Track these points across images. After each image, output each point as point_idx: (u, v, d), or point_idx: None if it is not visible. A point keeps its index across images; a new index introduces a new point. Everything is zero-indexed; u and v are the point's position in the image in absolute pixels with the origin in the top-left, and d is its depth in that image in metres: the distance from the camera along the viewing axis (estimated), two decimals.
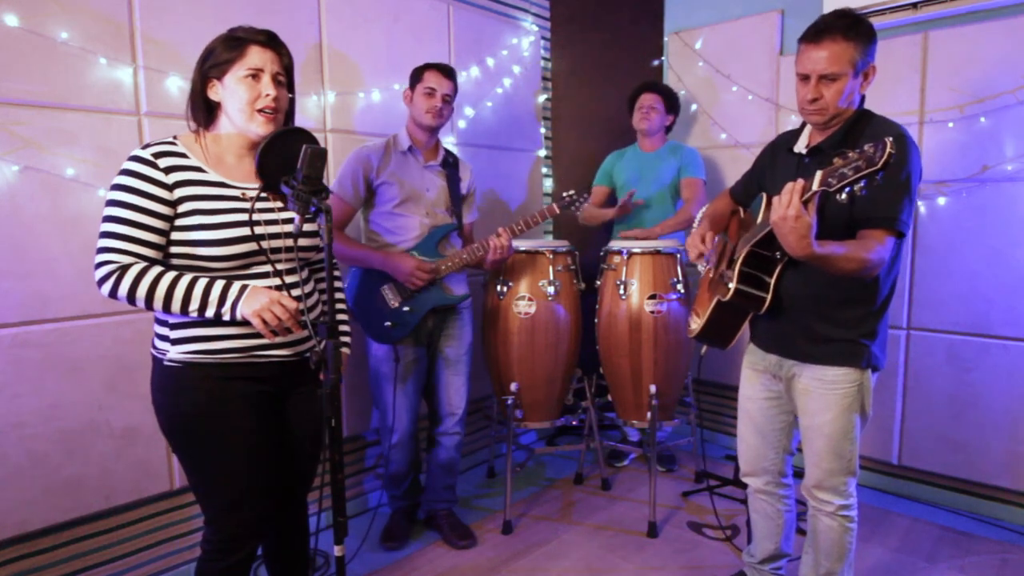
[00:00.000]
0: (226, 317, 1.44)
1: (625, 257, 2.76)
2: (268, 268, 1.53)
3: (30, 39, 1.87)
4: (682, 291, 2.75)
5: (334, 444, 1.38)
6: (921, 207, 2.81)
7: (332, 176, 2.50)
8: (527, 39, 3.39)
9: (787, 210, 1.45)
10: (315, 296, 1.66)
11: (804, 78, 1.67)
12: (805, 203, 1.45)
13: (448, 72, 2.43)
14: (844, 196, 1.37)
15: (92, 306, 2.03)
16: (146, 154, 1.44)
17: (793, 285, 1.75)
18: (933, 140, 2.76)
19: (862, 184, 1.33)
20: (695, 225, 2.14)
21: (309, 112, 2.55)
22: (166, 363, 1.49)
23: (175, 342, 1.49)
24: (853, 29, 1.61)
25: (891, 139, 1.29)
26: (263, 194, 1.53)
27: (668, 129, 3.24)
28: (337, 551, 1.43)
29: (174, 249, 1.46)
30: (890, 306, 1.76)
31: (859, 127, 1.68)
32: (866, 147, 1.33)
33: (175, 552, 2.29)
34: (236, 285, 1.45)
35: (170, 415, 1.51)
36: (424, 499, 2.68)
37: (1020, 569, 2.38)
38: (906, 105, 2.81)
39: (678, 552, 2.51)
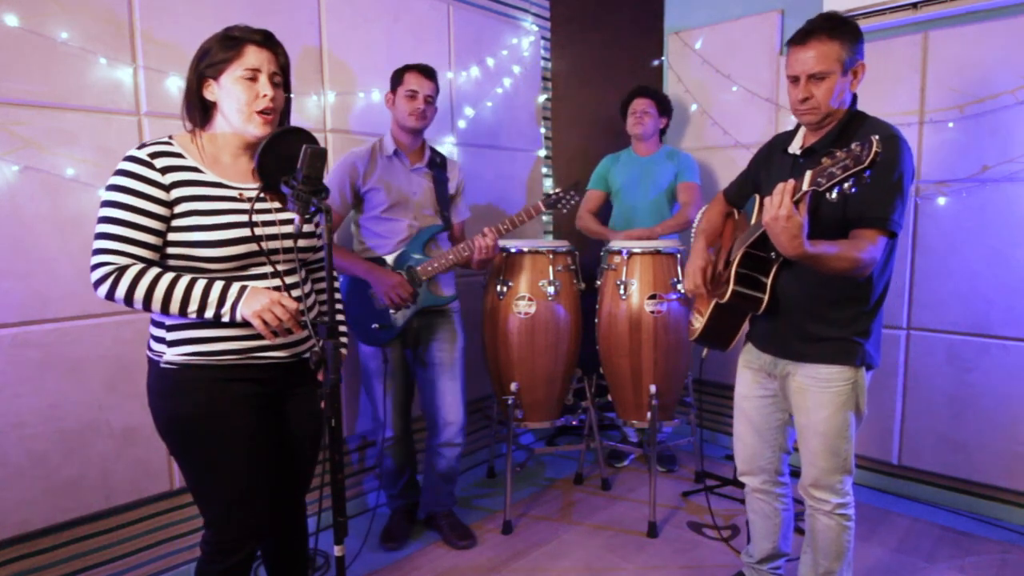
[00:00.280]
0: (226, 318, 1.43)
1: (625, 257, 2.76)
2: (266, 269, 1.52)
3: (30, 39, 1.87)
4: (682, 291, 2.75)
5: (334, 444, 1.38)
6: (921, 207, 2.81)
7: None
8: (527, 39, 3.39)
9: (778, 210, 1.46)
10: (312, 296, 1.66)
11: (794, 80, 1.70)
12: (796, 203, 1.46)
13: (429, 73, 2.41)
14: (835, 195, 1.38)
15: (92, 306, 2.03)
16: (142, 154, 1.43)
17: (788, 285, 1.76)
18: (933, 140, 2.76)
19: (851, 183, 1.35)
20: (692, 228, 2.14)
21: (309, 112, 2.55)
22: (163, 365, 1.48)
23: (172, 344, 1.48)
24: (838, 29, 1.65)
25: (877, 138, 1.31)
26: (260, 194, 1.53)
27: (663, 132, 3.25)
28: (337, 551, 1.43)
29: (171, 250, 1.45)
30: (884, 305, 1.78)
31: (852, 127, 1.70)
32: (853, 146, 1.34)
33: (175, 552, 2.29)
34: (236, 286, 1.44)
35: (167, 418, 1.50)
36: (423, 501, 2.67)
37: (1020, 569, 2.38)
38: (906, 105, 2.81)
39: (678, 552, 2.51)
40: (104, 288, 1.39)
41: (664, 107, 3.18)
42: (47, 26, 1.90)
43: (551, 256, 2.73)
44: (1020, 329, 2.60)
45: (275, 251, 1.52)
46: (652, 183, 3.14)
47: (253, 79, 1.47)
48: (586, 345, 2.92)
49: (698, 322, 2.02)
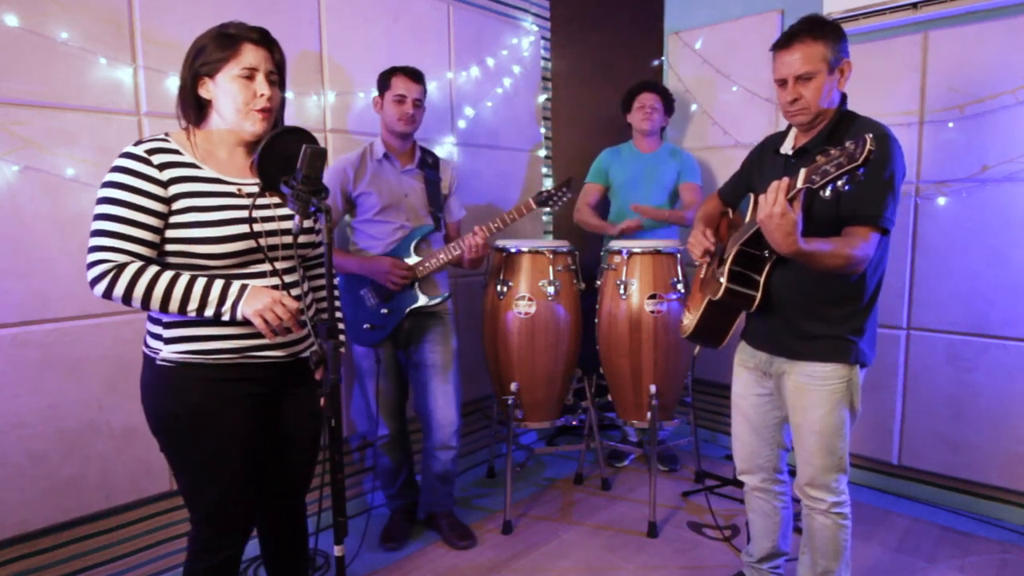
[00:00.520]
0: (226, 317, 1.43)
1: (625, 257, 2.76)
2: (265, 267, 1.51)
3: (30, 39, 1.87)
4: (682, 291, 2.75)
5: (334, 444, 1.38)
6: (921, 207, 2.81)
7: None
8: (527, 39, 3.39)
9: (773, 208, 1.49)
10: (309, 295, 1.65)
11: (782, 83, 1.73)
12: (790, 201, 1.48)
13: (416, 76, 2.40)
14: (829, 193, 1.40)
15: (92, 306, 2.03)
16: (139, 151, 1.42)
17: (782, 283, 1.77)
18: (933, 140, 2.76)
19: (845, 180, 1.37)
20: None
21: (309, 112, 2.55)
22: (158, 362, 1.47)
23: (168, 341, 1.47)
24: (819, 29, 1.68)
25: (871, 136, 1.33)
26: (260, 192, 1.52)
27: (662, 129, 3.25)
28: (337, 551, 1.43)
29: (169, 247, 1.44)
30: (877, 303, 1.79)
31: (843, 127, 1.72)
32: (847, 144, 1.36)
33: (175, 552, 2.29)
34: (236, 284, 1.44)
35: (161, 415, 1.49)
36: (422, 501, 2.66)
37: (1020, 569, 2.38)
38: (906, 105, 2.81)
39: (678, 552, 2.51)
40: (101, 286, 1.38)
41: (669, 105, 3.18)
42: (47, 26, 1.90)
43: (551, 256, 2.73)
44: (1020, 329, 2.60)
45: (274, 248, 1.52)
46: (655, 181, 3.14)
47: (250, 78, 1.46)
48: (586, 345, 2.92)
49: (689, 319, 2.04)
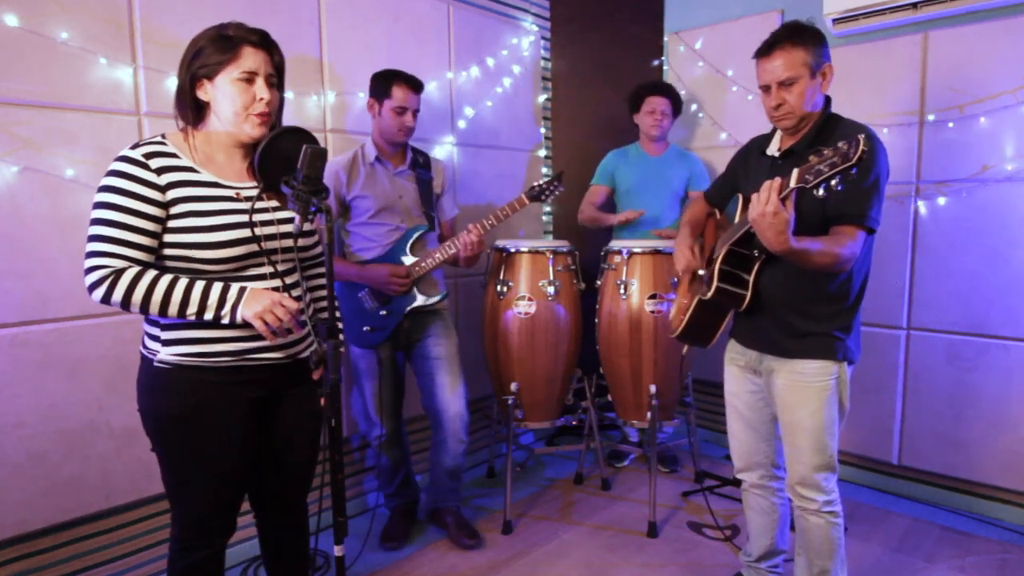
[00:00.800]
0: (225, 320, 1.43)
1: (625, 257, 2.76)
2: (264, 269, 1.51)
3: (30, 39, 1.87)
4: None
5: (334, 444, 1.38)
6: (921, 207, 2.81)
7: None
8: (527, 39, 3.39)
9: (766, 207, 1.51)
10: (307, 296, 1.65)
11: (766, 89, 1.78)
12: (783, 200, 1.51)
13: (417, 86, 2.38)
14: (822, 192, 1.43)
15: (92, 306, 2.01)
16: (136, 154, 1.40)
17: (771, 282, 1.80)
18: (933, 140, 2.76)
19: (838, 179, 1.39)
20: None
21: (309, 112, 2.55)
22: (156, 363, 1.47)
23: (166, 343, 1.46)
24: (799, 35, 1.72)
25: (863, 136, 1.36)
26: (260, 194, 1.52)
27: None
28: (337, 551, 1.43)
29: (168, 251, 1.43)
30: (863, 301, 1.83)
31: (828, 129, 1.76)
32: (840, 144, 1.39)
33: None
34: (235, 287, 1.43)
35: (156, 415, 1.49)
36: (428, 496, 2.65)
37: (1020, 569, 2.38)
38: (906, 105, 2.81)
39: (678, 552, 2.51)
40: (100, 292, 1.37)
41: (678, 107, 3.16)
42: (47, 26, 1.90)
43: (551, 256, 2.73)
44: (1020, 329, 2.60)
45: (274, 251, 1.52)
46: (665, 186, 3.12)
47: (250, 81, 1.45)
48: (586, 345, 2.92)
49: (677, 321, 2.06)
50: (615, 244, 2.84)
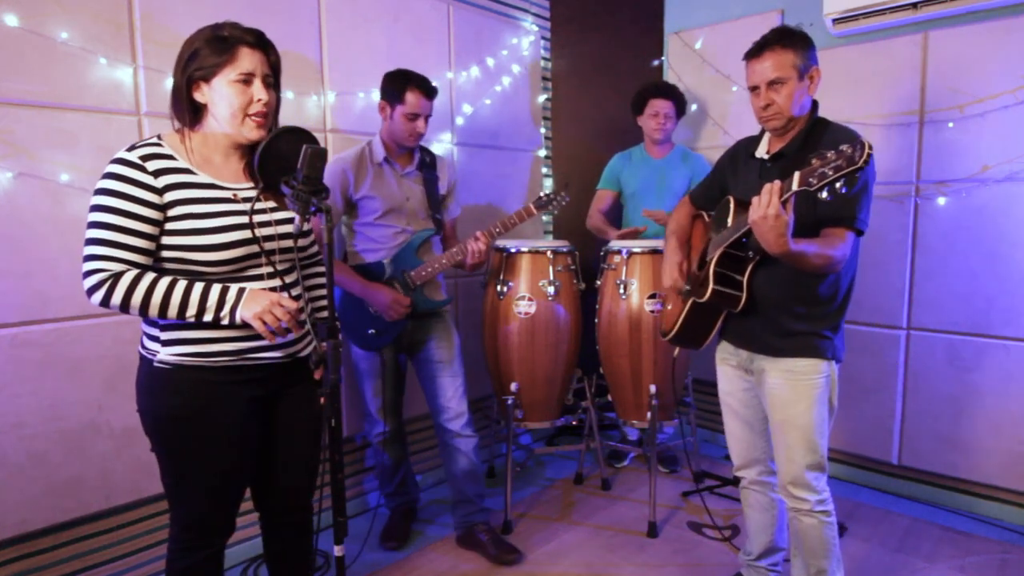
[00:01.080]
0: (225, 321, 1.43)
1: (625, 257, 2.76)
2: (262, 270, 1.51)
3: (30, 39, 1.87)
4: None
5: (334, 444, 1.38)
6: (921, 207, 2.81)
7: None
8: (527, 39, 3.39)
9: (767, 209, 1.53)
10: (305, 296, 1.65)
11: (755, 89, 1.83)
12: (783, 203, 1.53)
13: (431, 92, 2.34)
14: (825, 194, 1.45)
15: (92, 306, 1.98)
16: (133, 157, 1.40)
17: (763, 284, 1.82)
18: (933, 140, 2.76)
19: (842, 182, 1.41)
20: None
21: (309, 112, 2.55)
22: (155, 364, 1.47)
23: (166, 343, 1.46)
24: (788, 38, 1.77)
25: (868, 141, 1.39)
26: (258, 195, 1.51)
27: None
28: (337, 551, 1.44)
29: (166, 253, 1.43)
30: (850, 301, 1.86)
31: (816, 133, 1.80)
32: (843, 147, 1.41)
33: None
34: (234, 288, 1.43)
35: (156, 415, 1.49)
36: (456, 517, 2.56)
37: (1020, 569, 2.38)
38: (906, 105, 2.81)
39: (678, 552, 2.51)
40: (99, 295, 1.37)
41: (682, 109, 3.14)
42: (47, 26, 1.90)
43: (551, 256, 2.73)
44: (1020, 329, 2.60)
45: (273, 252, 1.52)
46: (667, 188, 3.11)
47: (247, 82, 1.44)
48: (586, 345, 2.92)
49: (667, 326, 2.08)
50: (615, 244, 2.84)
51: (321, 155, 1.38)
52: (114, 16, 2.02)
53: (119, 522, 2.16)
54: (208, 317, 1.41)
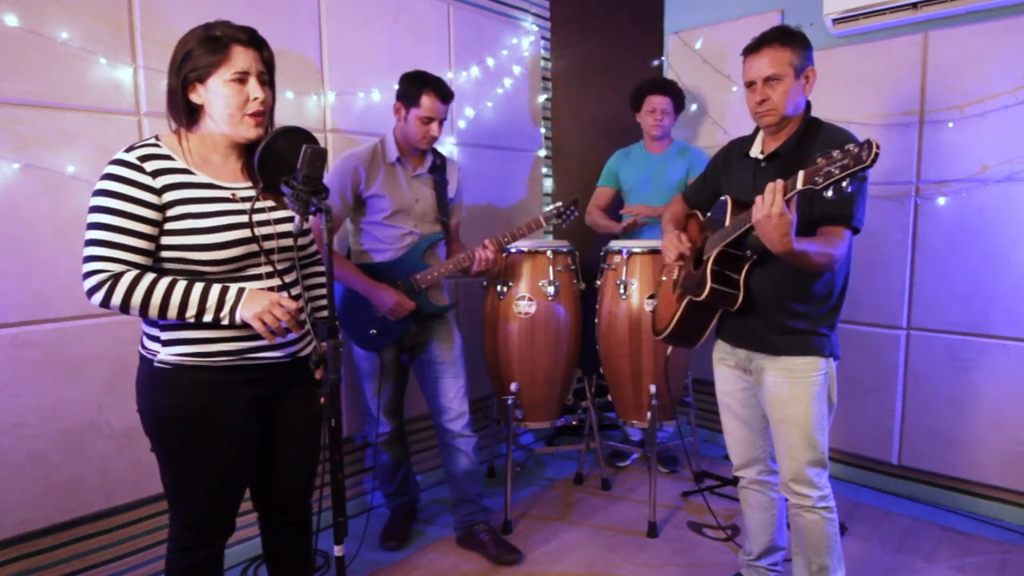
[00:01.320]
0: (224, 322, 1.43)
1: (625, 257, 2.76)
2: (262, 270, 1.51)
3: (30, 39, 1.88)
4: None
5: (334, 444, 1.38)
6: (921, 207, 2.81)
7: None
8: (527, 39, 3.39)
9: (771, 208, 1.53)
10: (305, 295, 1.65)
11: (751, 85, 1.83)
12: (786, 202, 1.53)
13: (448, 97, 2.33)
14: (831, 193, 1.45)
15: (92, 306, 2.00)
16: (131, 157, 1.40)
17: (760, 282, 1.83)
18: (933, 140, 2.76)
19: (848, 181, 1.41)
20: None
21: (309, 112, 2.55)
22: (156, 364, 1.47)
23: (166, 343, 1.46)
24: (787, 36, 1.79)
25: (875, 141, 1.39)
26: (258, 195, 1.51)
27: None
28: (337, 551, 1.44)
29: (165, 254, 1.43)
30: (845, 298, 1.87)
31: (811, 132, 1.81)
32: (850, 147, 1.41)
33: None
34: (233, 289, 1.43)
35: (156, 415, 1.49)
36: (456, 518, 2.57)
37: (1020, 569, 2.38)
38: (906, 105, 2.81)
39: (678, 552, 2.51)
40: (98, 296, 1.37)
41: (680, 105, 3.14)
42: (47, 26, 1.90)
43: (551, 256, 2.73)
44: (1020, 329, 2.60)
45: (272, 251, 1.52)
46: (663, 182, 3.12)
47: (242, 81, 1.43)
48: (586, 345, 2.92)
49: (661, 324, 2.08)
50: (615, 244, 2.84)
51: (321, 155, 1.38)
52: (114, 16, 2.02)
53: (119, 522, 2.16)
54: (208, 317, 1.41)
